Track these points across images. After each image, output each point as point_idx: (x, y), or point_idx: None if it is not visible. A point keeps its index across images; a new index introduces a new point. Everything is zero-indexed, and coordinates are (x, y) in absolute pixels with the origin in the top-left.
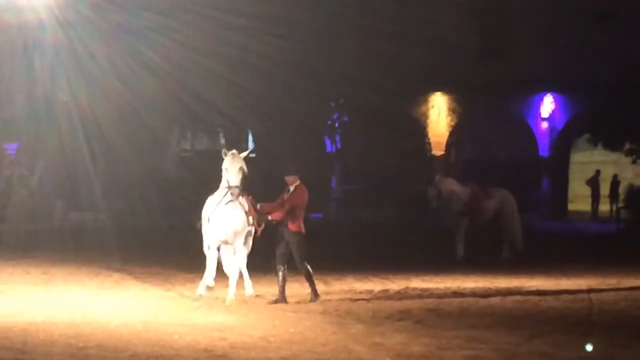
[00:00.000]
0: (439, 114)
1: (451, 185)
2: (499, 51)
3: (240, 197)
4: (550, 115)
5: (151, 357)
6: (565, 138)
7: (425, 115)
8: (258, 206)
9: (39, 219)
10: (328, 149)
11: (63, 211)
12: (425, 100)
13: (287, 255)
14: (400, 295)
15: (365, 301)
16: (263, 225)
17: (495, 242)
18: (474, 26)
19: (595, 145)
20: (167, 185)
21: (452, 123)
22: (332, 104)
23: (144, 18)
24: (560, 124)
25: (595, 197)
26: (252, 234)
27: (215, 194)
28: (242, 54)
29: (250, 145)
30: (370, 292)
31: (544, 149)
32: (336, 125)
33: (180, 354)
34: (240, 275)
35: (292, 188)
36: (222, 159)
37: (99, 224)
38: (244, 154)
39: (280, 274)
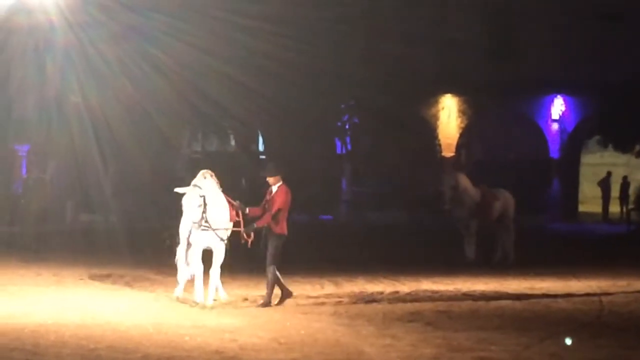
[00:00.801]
0: (449, 115)
1: (466, 182)
2: (509, 52)
3: (219, 207)
4: (561, 116)
5: (162, 359)
6: (575, 139)
7: (435, 117)
8: (247, 210)
9: (50, 220)
10: (338, 150)
11: (74, 212)
12: (436, 102)
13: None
14: (411, 296)
15: (375, 303)
16: (252, 235)
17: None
18: (484, 27)
19: (606, 146)
20: (177, 186)
21: (462, 124)
22: (342, 106)
23: (154, 20)
24: (570, 125)
25: (606, 199)
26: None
27: (188, 194)
28: (252, 55)
29: (261, 146)
30: (381, 293)
31: (554, 150)
32: (346, 126)
33: (191, 356)
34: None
35: (274, 189)
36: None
37: (110, 225)
38: (208, 178)
39: (271, 275)
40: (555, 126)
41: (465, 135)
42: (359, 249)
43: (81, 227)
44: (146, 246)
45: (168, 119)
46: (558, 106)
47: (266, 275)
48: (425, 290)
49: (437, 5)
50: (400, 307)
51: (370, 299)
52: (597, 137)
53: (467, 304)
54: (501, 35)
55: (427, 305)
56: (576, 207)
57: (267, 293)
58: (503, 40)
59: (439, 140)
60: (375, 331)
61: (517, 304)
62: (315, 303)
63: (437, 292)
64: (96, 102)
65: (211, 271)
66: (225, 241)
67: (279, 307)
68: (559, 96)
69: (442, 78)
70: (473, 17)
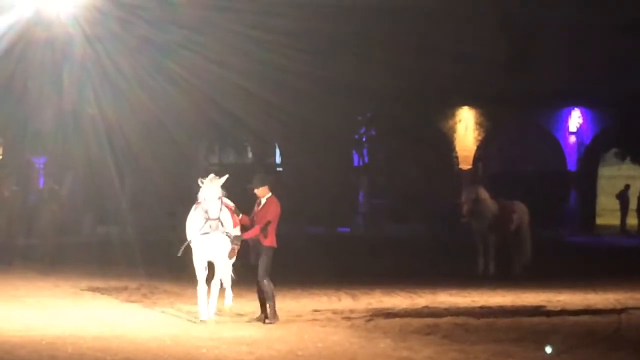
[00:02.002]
0: (466, 128)
1: (485, 195)
2: (527, 65)
3: (224, 211)
4: (578, 129)
5: None
6: (593, 152)
7: (452, 129)
8: (240, 216)
9: (67, 232)
10: (355, 162)
11: (91, 224)
12: (453, 114)
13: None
14: (428, 309)
15: (392, 315)
16: (239, 245)
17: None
18: (501, 40)
19: (623, 159)
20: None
21: (480, 137)
22: (359, 118)
23: (171, 33)
24: (588, 138)
25: (624, 211)
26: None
27: (197, 210)
28: (269, 68)
29: (278, 158)
30: (398, 306)
31: (571, 163)
32: (363, 139)
33: None
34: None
35: (263, 201)
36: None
37: (126, 237)
38: (222, 179)
39: (267, 288)
40: (572, 139)
41: (483, 147)
42: (375, 262)
43: (98, 239)
44: (163, 258)
45: (184, 132)
46: (575, 119)
47: (261, 290)
48: (442, 303)
49: (454, 19)
50: (417, 320)
51: (387, 312)
52: (614, 150)
53: (484, 317)
54: (518, 48)
55: (444, 318)
56: (593, 220)
57: (261, 309)
58: (520, 52)
59: (456, 153)
60: (392, 344)
61: (535, 317)
62: (332, 315)
63: (454, 304)
64: (113, 114)
65: (212, 283)
66: (232, 246)
67: (295, 319)
68: (576, 108)
69: (460, 90)
70: (490, 30)
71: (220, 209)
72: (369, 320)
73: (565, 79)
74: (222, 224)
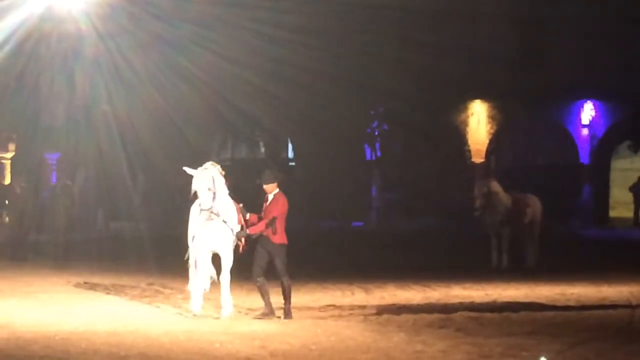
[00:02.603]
0: (478, 121)
1: (498, 188)
2: (539, 58)
3: (228, 206)
4: (591, 122)
5: None
6: (605, 145)
7: (464, 123)
8: (247, 216)
9: (81, 228)
10: (368, 157)
11: (104, 220)
12: (465, 108)
13: (266, 268)
14: (441, 303)
15: (406, 309)
16: (244, 241)
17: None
18: (513, 34)
19: (636, 151)
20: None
21: (492, 130)
22: (372, 112)
23: (182, 29)
24: (600, 130)
25: (638, 204)
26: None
27: (195, 205)
28: (280, 65)
29: (290, 154)
30: (411, 300)
31: (584, 155)
32: (376, 133)
33: None
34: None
35: (270, 197)
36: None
37: (139, 233)
38: (216, 168)
39: (260, 286)
40: (585, 131)
41: (495, 141)
42: (389, 256)
43: (111, 235)
44: (175, 254)
45: (196, 128)
46: (588, 111)
47: (281, 287)
48: (456, 296)
49: (466, 14)
50: (430, 314)
51: (401, 306)
52: (627, 142)
53: (497, 310)
54: (530, 41)
55: (458, 312)
56: (607, 213)
57: (285, 305)
58: (532, 45)
59: (468, 146)
60: (405, 337)
61: (549, 310)
62: (345, 310)
63: (467, 298)
64: (124, 110)
65: (221, 277)
66: (234, 242)
67: (309, 313)
68: (588, 101)
69: (471, 84)
70: (502, 23)
71: (214, 198)
72: (382, 314)
73: (578, 72)
74: (217, 214)
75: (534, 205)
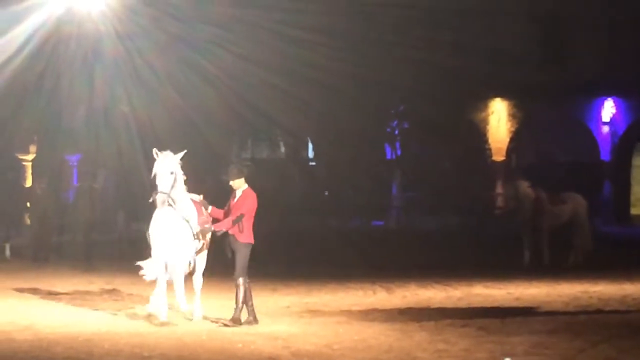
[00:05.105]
0: (499, 119)
1: (526, 188)
2: (560, 55)
3: (184, 201)
4: (612, 119)
5: None
6: (626, 142)
7: (485, 121)
8: (209, 209)
9: (102, 229)
10: (388, 156)
11: (125, 221)
12: (485, 106)
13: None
14: (463, 301)
15: (428, 308)
16: (209, 238)
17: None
18: (534, 32)
19: None
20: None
21: (513, 128)
22: (392, 111)
23: (202, 30)
24: (621, 128)
25: None
26: (202, 244)
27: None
28: (300, 65)
29: (311, 153)
30: (433, 299)
31: (605, 153)
32: (396, 132)
33: None
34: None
35: (239, 193)
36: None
37: None
38: (179, 155)
39: (242, 288)
40: (606, 129)
41: (516, 139)
42: (410, 255)
43: (132, 236)
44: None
45: (216, 128)
46: (609, 109)
47: (235, 288)
48: (478, 295)
49: (486, 12)
50: (452, 312)
51: (423, 305)
52: None
53: (520, 308)
54: (551, 39)
55: (480, 310)
56: (628, 210)
57: (236, 308)
58: (553, 43)
59: (489, 145)
60: (427, 336)
61: (571, 308)
62: (367, 309)
63: (489, 296)
64: (144, 111)
65: (171, 270)
66: (198, 242)
67: (331, 313)
68: (609, 99)
69: (492, 82)
70: (523, 21)
71: (173, 186)
72: (404, 314)
73: (598, 69)
74: (173, 201)
75: (574, 204)
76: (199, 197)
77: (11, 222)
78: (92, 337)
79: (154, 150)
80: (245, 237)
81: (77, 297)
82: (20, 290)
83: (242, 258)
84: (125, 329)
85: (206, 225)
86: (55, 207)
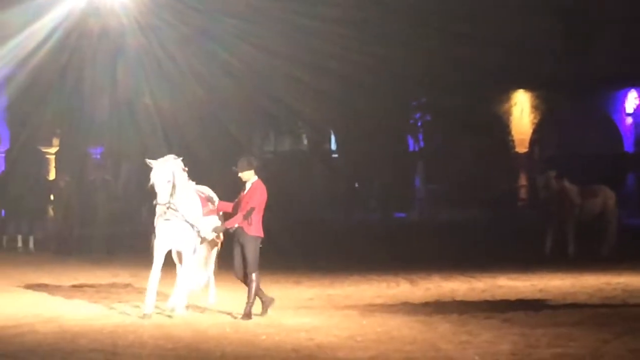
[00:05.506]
0: (522, 111)
1: (552, 179)
2: (582, 47)
3: (190, 202)
4: (635, 110)
5: (240, 358)
6: None
7: (508, 113)
8: (216, 203)
9: (126, 221)
10: (410, 148)
11: (149, 214)
12: (508, 98)
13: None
14: (487, 293)
15: (451, 300)
16: (222, 236)
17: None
18: (557, 23)
19: None
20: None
21: (535, 120)
22: (414, 103)
23: (223, 22)
24: None
25: None
26: (214, 241)
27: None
28: (322, 57)
29: (333, 145)
30: (457, 290)
31: (628, 144)
32: (418, 124)
33: (268, 355)
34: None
35: (248, 186)
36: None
37: None
38: (175, 162)
39: (254, 283)
40: (629, 120)
41: (539, 131)
42: (433, 247)
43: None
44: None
45: (238, 121)
46: (632, 100)
47: (247, 284)
48: (502, 287)
49: (509, 2)
50: (476, 304)
51: (446, 296)
52: None
53: (543, 300)
54: (574, 30)
55: (504, 302)
56: None
57: (248, 303)
58: (576, 34)
59: (511, 136)
60: (451, 328)
61: (595, 300)
62: (391, 301)
63: (513, 288)
64: (167, 104)
65: (180, 275)
66: (199, 238)
67: (354, 305)
68: (632, 90)
69: (515, 74)
70: (546, 13)
71: (173, 194)
72: (427, 305)
73: (622, 61)
74: (175, 209)
75: (605, 197)
76: (207, 190)
77: (35, 215)
78: (117, 329)
79: (147, 160)
80: (254, 230)
81: (101, 289)
82: (44, 283)
83: (251, 252)
84: (150, 321)
85: (220, 226)
86: (77, 200)
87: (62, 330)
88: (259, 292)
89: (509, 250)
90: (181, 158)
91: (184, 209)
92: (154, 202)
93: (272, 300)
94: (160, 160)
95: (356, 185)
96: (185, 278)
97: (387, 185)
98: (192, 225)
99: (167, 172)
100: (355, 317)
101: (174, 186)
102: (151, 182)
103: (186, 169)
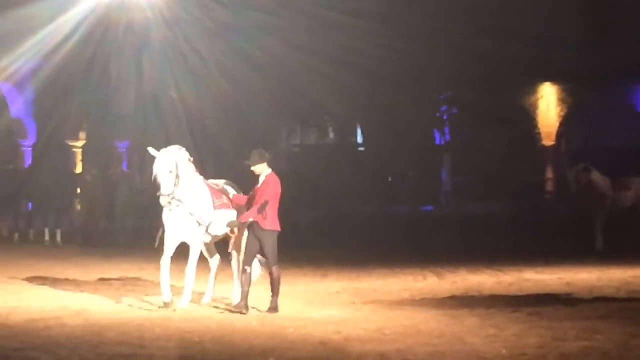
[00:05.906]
0: (548, 104)
1: (581, 172)
2: (609, 39)
3: (196, 193)
4: None
5: (267, 351)
6: None
7: (534, 106)
8: (230, 196)
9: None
10: (437, 141)
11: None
12: (534, 91)
13: (255, 255)
14: (514, 286)
15: (478, 293)
16: (236, 230)
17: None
18: (583, 15)
19: None
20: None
21: (562, 113)
22: (441, 97)
23: (249, 17)
24: None
25: None
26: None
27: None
28: (347, 51)
29: (359, 139)
30: (483, 284)
31: None
32: (444, 117)
33: (295, 347)
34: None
35: (262, 179)
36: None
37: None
38: (180, 151)
39: (245, 276)
40: None
41: (565, 123)
42: (460, 240)
43: None
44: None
45: (264, 114)
46: None
47: (270, 277)
48: (528, 280)
49: None
50: (503, 297)
51: (473, 290)
52: None
53: (570, 293)
54: (600, 22)
55: (531, 295)
56: None
57: (273, 296)
58: (602, 26)
59: (538, 129)
60: (478, 321)
61: (622, 293)
62: (417, 294)
63: (540, 281)
64: (192, 98)
65: (186, 269)
66: (205, 231)
67: (382, 298)
68: None
69: (541, 67)
70: (572, 5)
71: (177, 184)
72: (454, 299)
73: None
74: (179, 200)
75: (637, 188)
76: (221, 182)
77: (62, 209)
78: (144, 322)
79: (149, 149)
80: (269, 224)
81: (127, 282)
82: (71, 276)
83: (269, 245)
84: (176, 314)
85: (234, 220)
86: (103, 193)
87: (89, 323)
88: (245, 286)
89: (535, 243)
90: (186, 149)
91: (189, 201)
92: (157, 194)
93: (246, 308)
94: (163, 150)
95: (389, 179)
96: (191, 271)
97: (416, 178)
98: (198, 221)
99: (170, 162)
100: (382, 310)
101: (177, 177)
102: (153, 173)
103: (192, 159)
